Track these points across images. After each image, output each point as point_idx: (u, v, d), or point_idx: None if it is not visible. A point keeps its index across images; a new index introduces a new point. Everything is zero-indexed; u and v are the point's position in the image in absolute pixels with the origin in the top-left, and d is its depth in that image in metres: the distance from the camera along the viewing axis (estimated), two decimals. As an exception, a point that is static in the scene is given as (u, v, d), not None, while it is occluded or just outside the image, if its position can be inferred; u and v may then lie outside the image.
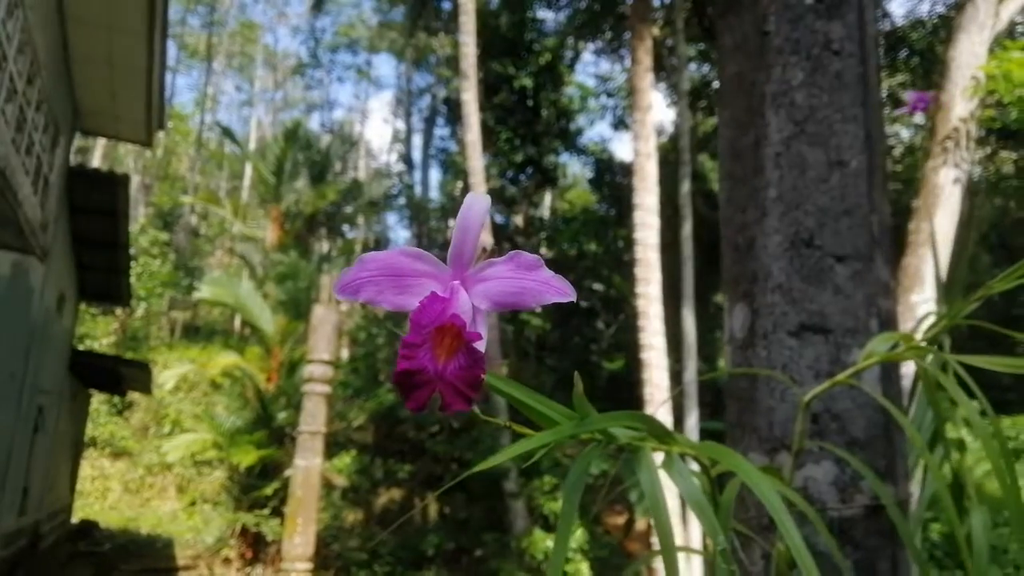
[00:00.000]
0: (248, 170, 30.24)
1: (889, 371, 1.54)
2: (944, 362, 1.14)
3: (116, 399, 19.50)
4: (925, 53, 17.37)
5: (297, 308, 17.05)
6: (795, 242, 1.59)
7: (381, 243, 29.27)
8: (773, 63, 1.68)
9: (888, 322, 1.57)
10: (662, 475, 0.93)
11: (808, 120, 1.63)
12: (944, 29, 16.12)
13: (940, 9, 17.73)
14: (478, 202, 0.73)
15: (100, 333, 20.69)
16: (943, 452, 1.35)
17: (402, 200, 27.59)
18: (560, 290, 0.72)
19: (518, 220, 20.03)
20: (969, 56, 7.68)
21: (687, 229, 13.52)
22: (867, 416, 1.48)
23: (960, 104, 9.37)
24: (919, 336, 1.29)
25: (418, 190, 28.68)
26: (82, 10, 8.08)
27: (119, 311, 21.31)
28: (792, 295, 1.56)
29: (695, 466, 1.12)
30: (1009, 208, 18.51)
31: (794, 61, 1.66)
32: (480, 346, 0.69)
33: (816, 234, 1.58)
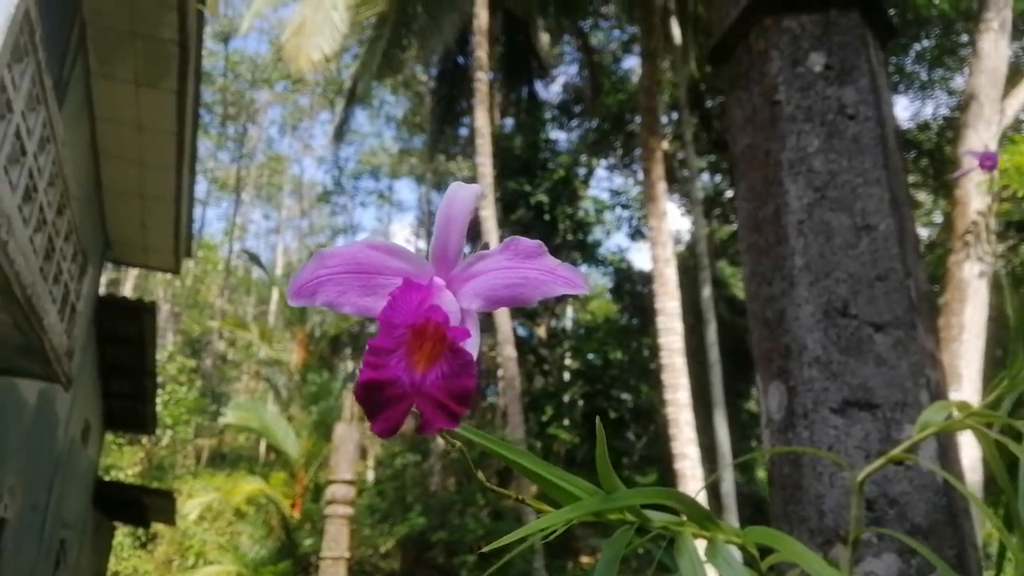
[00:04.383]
0: (275, 294, 30.80)
1: (947, 447, 1.40)
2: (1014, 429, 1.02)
3: (140, 531, 19.09)
4: (934, 153, 17.66)
5: (325, 430, 16.90)
6: (828, 312, 1.49)
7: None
8: (786, 132, 1.64)
9: (938, 394, 1.45)
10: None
11: (829, 185, 1.57)
12: (950, 130, 16.43)
13: (944, 111, 18.15)
14: (464, 189, 0.63)
15: (126, 463, 20.52)
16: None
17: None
18: (569, 280, 0.61)
19: (541, 332, 20.00)
20: (979, 151, 7.72)
21: (711, 334, 13.39)
22: (927, 499, 1.33)
23: (976, 198, 9.38)
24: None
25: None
26: (114, 147, 8.47)
27: (145, 440, 21.22)
28: (831, 368, 1.45)
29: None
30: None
31: (808, 128, 1.63)
32: (469, 347, 0.57)
33: (850, 302, 1.49)
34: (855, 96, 1.64)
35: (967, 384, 7.58)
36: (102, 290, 11.73)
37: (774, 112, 1.68)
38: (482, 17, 14.50)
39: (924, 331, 1.51)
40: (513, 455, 0.72)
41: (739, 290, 20.73)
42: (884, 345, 1.44)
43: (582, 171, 22.09)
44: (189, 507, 16.88)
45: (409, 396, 0.56)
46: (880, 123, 1.64)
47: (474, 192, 0.63)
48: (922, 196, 18.54)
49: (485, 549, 0.69)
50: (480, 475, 0.63)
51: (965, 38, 15.45)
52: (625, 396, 18.84)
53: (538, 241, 0.61)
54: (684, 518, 0.83)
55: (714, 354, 13.17)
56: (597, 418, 0.71)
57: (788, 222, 1.58)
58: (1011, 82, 9.87)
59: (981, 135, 9.03)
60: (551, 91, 23.18)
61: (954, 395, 6.42)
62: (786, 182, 1.61)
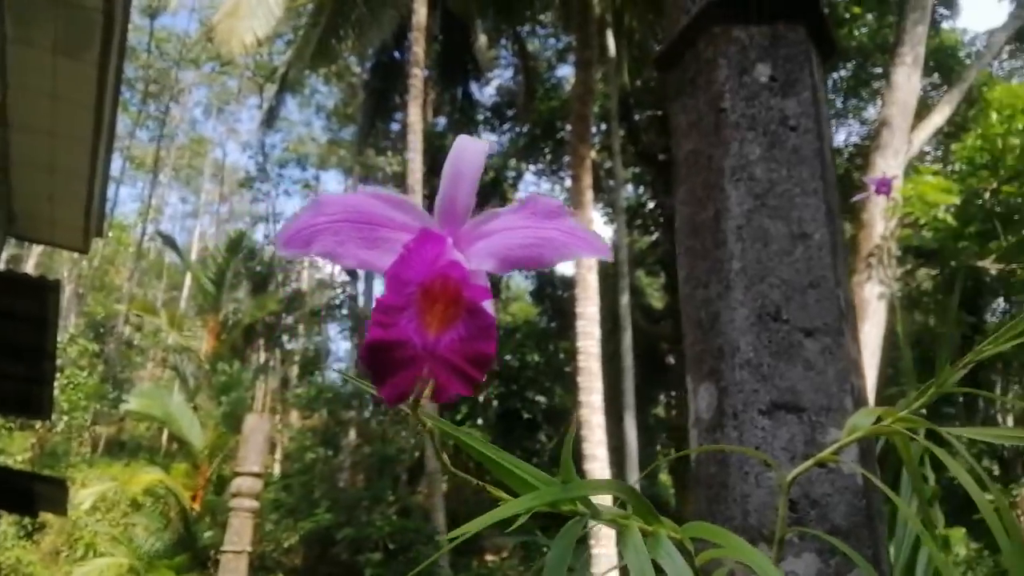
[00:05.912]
0: (188, 280, 29.77)
1: (867, 452, 1.46)
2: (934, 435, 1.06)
3: (26, 521, 18.06)
4: (843, 179, 18.50)
5: (234, 421, 16.41)
6: (762, 316, 1.54)
7: (321, 353, 28.79)
8: (730, 139, 1.69)
9: (862, 401, 1.51)
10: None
11: (768, 193, 1.63)
12: (860, 157, 17.26)
13: (855, 139, 19.06)
14: (474, 143, 0.58)
15: (16, 449, 19.40)
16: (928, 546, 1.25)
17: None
18: (592, 244, 0.56)
19: (461, 332, 19.96)
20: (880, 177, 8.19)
21: (627, 340, 13.66)
22: (848, 502, 1.39)
23: (880, 223, 9.87)
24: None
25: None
26: (26, 116, 7.98)
27: (38, 425, 20.11)
28: (762, 371, 1.50)
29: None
30: (929, 324, 19.25)
31: (751, 137, 1.68)
32: (490, 308, 0.52)
33: (783, 307, 1.54)
34: (797, 108, 1.70)
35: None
36: (1, 265, 11.06)
37: (719, 119, 1.72)
38: (420, 13, 14.38)
39: (851, 339, 1.57)
40: (474, 443, 0.71)
41: (655, 299, 21.23)
42: (813, 351, 1.50)
43: (511, 175, 22.21)
44: (82, 496, 16.11)
45: (420, 359, 0.51)
46: (819, 136, 1.70)
47: (485, 147, 0.59)
48: (832, 220, 19.40)
49: (461, 530, 0.67)
50: (444, 458, 0.61)
51: (879, 71, 16.22)
52: (539, 398, 19.02)
53: (560, 200, 0.58)
54: (630, 511, 0.83)
55: (628, 360, 13.45)
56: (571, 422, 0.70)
57: (727, 227, 1.62)
58: (919, 115, 10.45)
59: (889, 162, 9.51)
60: (485, 93, 23.19)
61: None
62: (727, 188, 1.65)
